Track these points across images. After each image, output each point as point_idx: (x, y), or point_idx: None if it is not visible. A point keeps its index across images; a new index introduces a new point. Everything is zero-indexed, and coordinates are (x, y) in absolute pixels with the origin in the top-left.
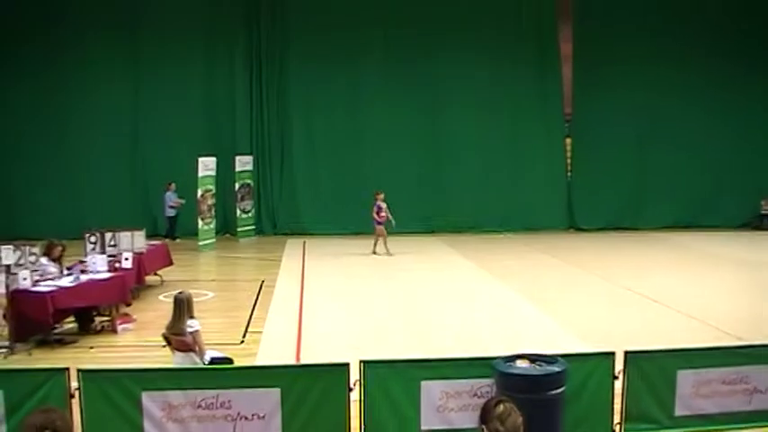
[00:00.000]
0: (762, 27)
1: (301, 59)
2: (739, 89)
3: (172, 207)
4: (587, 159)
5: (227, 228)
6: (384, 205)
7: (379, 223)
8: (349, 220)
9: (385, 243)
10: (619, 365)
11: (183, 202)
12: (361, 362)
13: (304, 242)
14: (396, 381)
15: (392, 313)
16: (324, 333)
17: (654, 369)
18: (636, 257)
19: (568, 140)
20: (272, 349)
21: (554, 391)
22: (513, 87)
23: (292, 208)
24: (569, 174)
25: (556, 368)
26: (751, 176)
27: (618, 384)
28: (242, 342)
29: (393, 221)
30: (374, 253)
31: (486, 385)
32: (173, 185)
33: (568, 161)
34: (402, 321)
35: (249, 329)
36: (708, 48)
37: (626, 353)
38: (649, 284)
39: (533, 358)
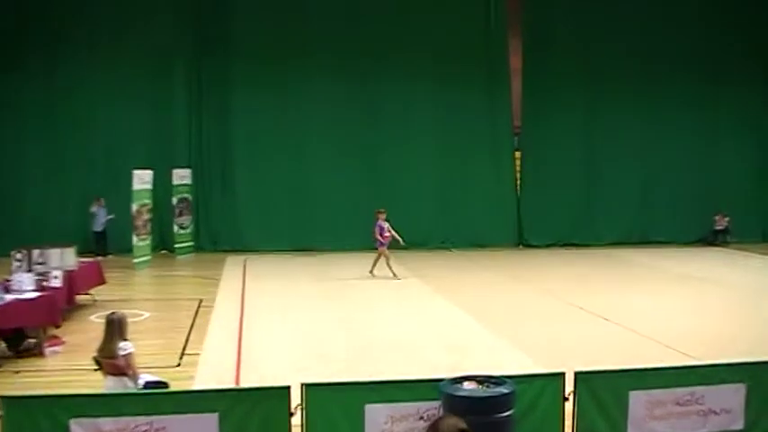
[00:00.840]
0: (722, 39)
1: (245, 70)
2: (692, 103)
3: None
4: (537, 174)
5: (163, 244)
6: (387, 224)
7: (382, 244)
8: (293, 237)
9: (389, 265)
10: (569, 386)
11: (111, 217)
12: (302, 385)
13: (245, 260)
14: (339, 404)
15: (336, 333)
16: (265, 355)
17: (605, 389)
18: (586, 274)
19: (517, 154)
20: (211, 372)
21: (502, 414)
22: (462, 101)
23: (233, 224)
24: (518, 189)
25: (504, 389)
26: (704, 192)
27: (568, 406)
28: (178, 365)
29: (402, 240)
30: (371, 274)
31: (432, 408)
32: (102, 200)
33: (517, 175)
34: (346, 341)
35: (186, 351)
36: (661, 60)
37: (576, 373)
38: (600, 302)
39: (481, 379)
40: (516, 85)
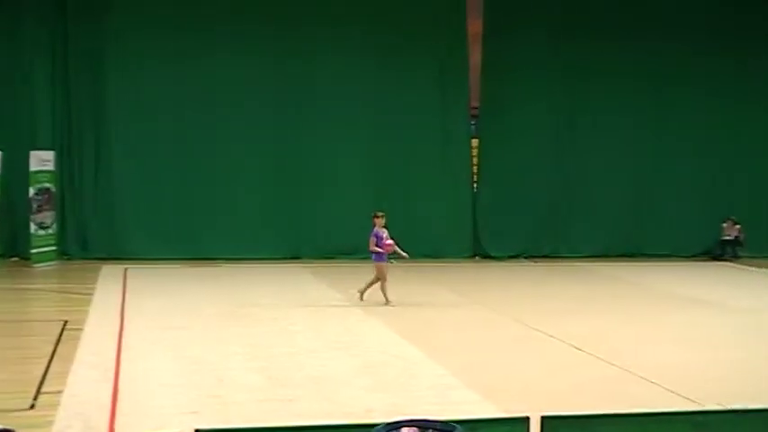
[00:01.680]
0: (738, 13)
1: (129, 36)
2: (697, 82)
3: None
4: (498, 167)
5: (15, 249)
6: (385, 232)
7: (379, 257)
8: (187, 243)
9: (383, 287)
10: None
11: None
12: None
13: (125, 270)
14: None
15: (241, 367)
16: (149, 392)
17: None
18: (558, 294)
19: (475, 142)
20: (76, 416)
21: None
22: (406, 76)
23: (110, 224)
24: (475, 185)
25: None
26: (711, 195)
27: None
28: (32, 407)
29: (405, 254)
30: (360, 296)
31: None
32: None
33: (474, 169)
34: (253, 378)
35: (43, 389)
36: (659, 28)
37: (543, 418)
38: (574, 328)
39: (423, 425)
40: (475, 54)
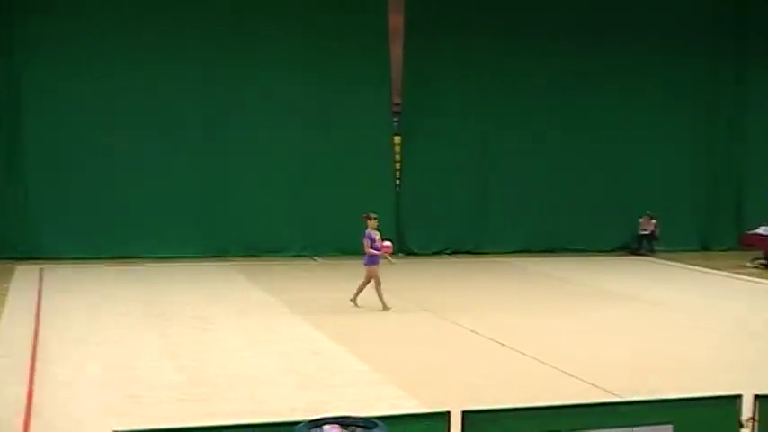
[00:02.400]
0: (656, 17)
1: (37, 22)
2: (615, 82)
3: None
4: (421, 163)
5: None
6: (377, 234)
7: (371, 260)
8: (106, 242)
9: (379, 291)
10: (456, 428)
11: None
12: None
13: (41, 270)
14: None
15: (163, 364)
16: (66, 394)
17: None
18: (481, 289)
19: (397, 139)
20: None
21: None
22: (328, 70)
23: (23, 221)
24: (398, 183)
25: None
26: (629, 191)
27: None
28: None
29: (391, 259)
30: (353, 303)
31: None
32: None
33: (397, 166)
34: (176, 375)
35: None
36: (578, 27)
37: (464, 412)
38: (497, 323)
39: (345, 422)
40: (397, 50)
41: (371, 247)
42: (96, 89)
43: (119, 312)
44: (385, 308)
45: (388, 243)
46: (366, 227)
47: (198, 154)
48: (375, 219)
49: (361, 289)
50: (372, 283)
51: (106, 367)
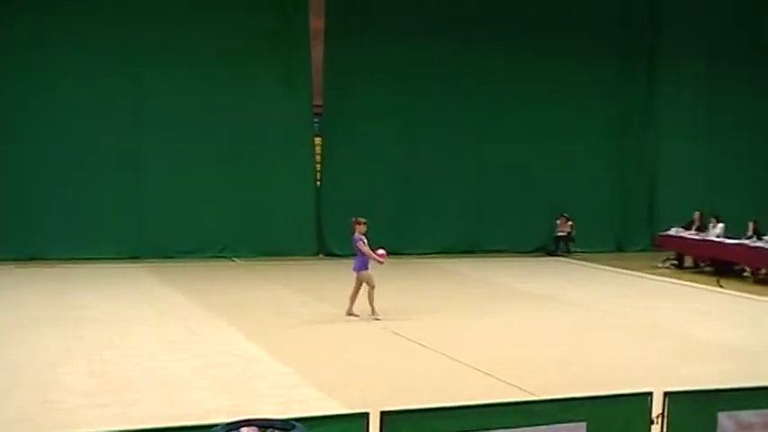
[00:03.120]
0: (567, 8)
1: None
2: (533, 84)
3: None
4: (342, 165)
5: None
6: (365, 239)
7: (365, 262)
8: (17, 244)
9: (372, 296)
10: (374, 430)
11: None
12: None
13: None
14: None
15: (78, 369)
16: None
17: None
18: (401, 290)
19: (318, 140)
20: None
21: None
22: (246, 71)
23: None
24: (319, 183)
25: None
26: (545, 191)
27: None
28: None
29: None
30: (351, 314)
31: None
32: None
33: (318, 167)
34: (91, 380)
35: None
36: (489, 27)
37: (383, 413)
38: (416, 324)
39: (263, 424)
40: (317, 52)
41: (361, 252)
42: (4, 89)
43: (30, 316)
44: (374, 313)
45: (382, 251)
46: (354, 231)
47: (111, 154)
48: (364, 223)
49: (354, 298)
50: (365, 287)
51: (15, 372)
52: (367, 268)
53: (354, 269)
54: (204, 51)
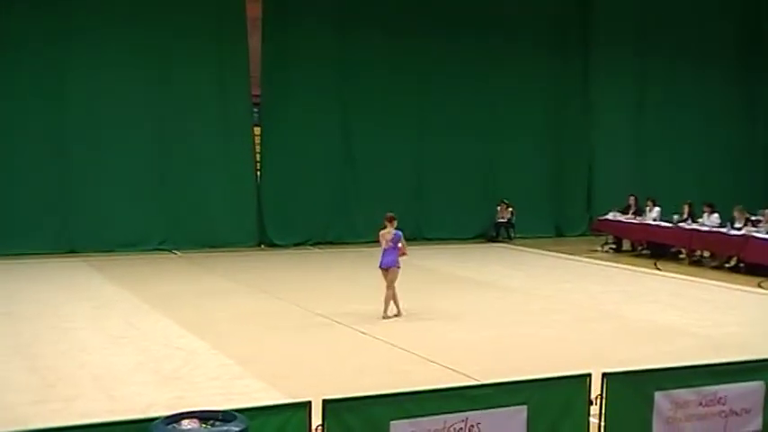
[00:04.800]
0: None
1: None
2: (471, 70)
3: None
4: (282, 154)
5: None
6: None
7: (396, 258)
8: None
9: (396, 296)
10: (317, 418)
11: None
12: None
13: None
14: None
15: (14, 365)
16: None
17: (359, 421)
18: (342, 279)
19: (257, 130)
20: None
21: None
22: (183, 61)
23: None
24: (259, 174)
25: (234, 427)
26: (486, 178)
27: None
28: None
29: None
30: (398, 313)
31: None
32: None
33: (257, 157)
34: (29, 376)
35: None
36: (437, 10)
37: (325, 401)
38: (357, 312)
39: (204, 416)
40: (255, 41)
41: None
42: None
43: None
44: (399, 313)
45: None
46: (385, 227)
47: (45, 145)
48: (395, 220)
49: (391, 293)
50: (389, 285)
51: None
52: (398, 265)
53: (388, 264)
54: (139, 41)
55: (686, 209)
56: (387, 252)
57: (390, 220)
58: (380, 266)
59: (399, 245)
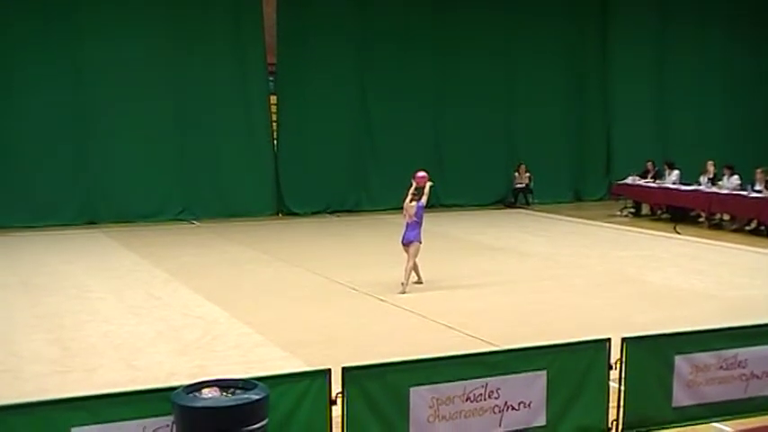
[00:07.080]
0: None
1: None
2: (489, 38)
3: None
4: (298, 123)
5: None
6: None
7: (417, 235)
8: None
9: (416, 265)
10: (336, 386)
11: None
12: None
13: None
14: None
15: (38, 336)
16: None
17: (380, 388)
18: (361, 246)
19: (273, 98)
20: None
21: (253, 426)
22: (199, 30)
23: None
24: (276, 142)
25: (254, 395)
26: (504, 144)
27: (336, 409)
28: None
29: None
30: (419, 281)
31: (163, 426)
32: None
33: (274, 126)
34: (52, 347)
35: None
36: None
37: (344, 369)
38: (375, 279)
39: (224, 385)
40: (270, 9)
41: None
42: None
43: None
44: (420, 279)
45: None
46: (413, 185)
47: (64, 118)
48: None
49: (412, 264)
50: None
51: None
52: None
53: (410, 240)
54: (156, 12)
55: (710, 168)
56: (410, 227)
57: (419, 180)
58: (402, 242)
59: (423, 201)
